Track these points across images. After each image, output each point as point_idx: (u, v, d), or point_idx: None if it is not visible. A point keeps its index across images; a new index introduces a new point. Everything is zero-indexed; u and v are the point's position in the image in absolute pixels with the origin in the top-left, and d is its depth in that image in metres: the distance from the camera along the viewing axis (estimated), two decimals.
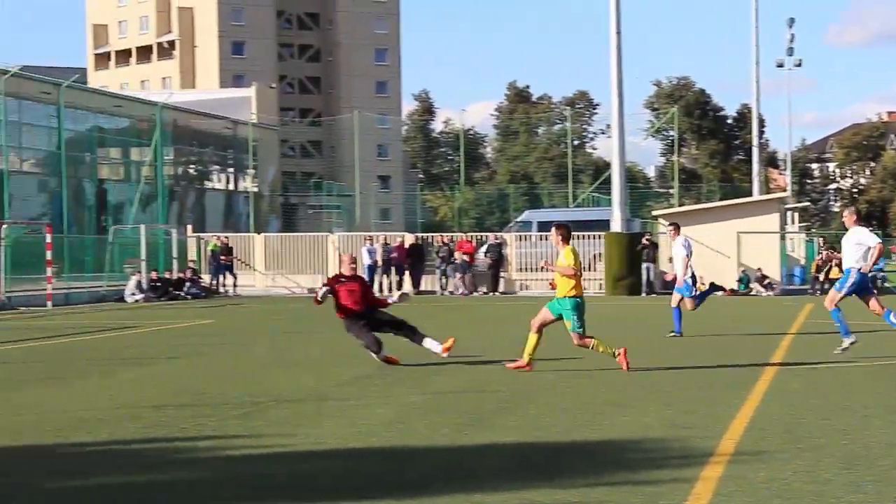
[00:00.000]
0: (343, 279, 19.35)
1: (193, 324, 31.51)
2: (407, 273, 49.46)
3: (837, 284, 19.99)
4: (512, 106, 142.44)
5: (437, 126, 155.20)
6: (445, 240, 51.09)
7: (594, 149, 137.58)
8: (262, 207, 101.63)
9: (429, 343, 19.19)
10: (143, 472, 10.64)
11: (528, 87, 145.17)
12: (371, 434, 12.44)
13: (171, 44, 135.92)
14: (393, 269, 49.45)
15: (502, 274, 49.38)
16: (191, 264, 49.58)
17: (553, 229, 17.93)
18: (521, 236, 50.66)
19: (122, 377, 18.08)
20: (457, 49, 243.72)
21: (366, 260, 48.60)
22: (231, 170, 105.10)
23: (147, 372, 18.81)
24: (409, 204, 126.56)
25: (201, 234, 55.63)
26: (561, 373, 17.59)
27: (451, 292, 48.67)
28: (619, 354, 17.60)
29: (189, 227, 57.95)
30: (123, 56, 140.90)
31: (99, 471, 10.79)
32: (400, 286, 47.76)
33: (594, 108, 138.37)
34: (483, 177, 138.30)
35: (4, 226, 41.90)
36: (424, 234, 57.01)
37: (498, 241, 49.84)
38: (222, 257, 49.60)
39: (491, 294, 48.14)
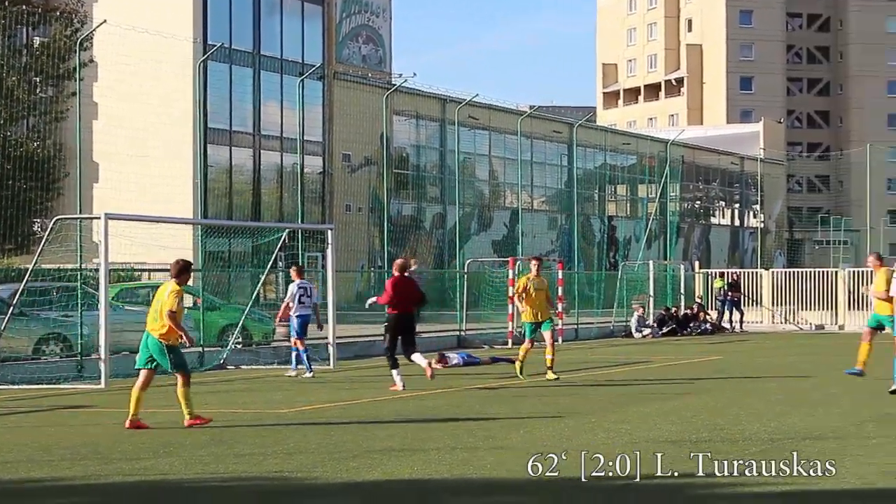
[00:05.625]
0: None
1: (702, 360, 31.59)
2: None
3: None
4: None
5: None
6: None
7: None
8: (768, 243, 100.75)
9: None
10: None
11: None
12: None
13: (680, 81, 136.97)
14: None
15: None
16: (698, 300, 49.70)
17: None
18: None
19: (636, 411, 18.34)
20: None
21: None
22: (737, 205, 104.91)
23: (661, 407, 18.98)
24: None
25: (707, 270, 55.75)
26: None
27: None
28: None
29: (696, 264, 58.20)
30: (631, 94, 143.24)
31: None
32: None
33: None
34: None
35: (519, 262, 43.22)
36: None
37: None
38: (730, 293, 49.39)
39: None
